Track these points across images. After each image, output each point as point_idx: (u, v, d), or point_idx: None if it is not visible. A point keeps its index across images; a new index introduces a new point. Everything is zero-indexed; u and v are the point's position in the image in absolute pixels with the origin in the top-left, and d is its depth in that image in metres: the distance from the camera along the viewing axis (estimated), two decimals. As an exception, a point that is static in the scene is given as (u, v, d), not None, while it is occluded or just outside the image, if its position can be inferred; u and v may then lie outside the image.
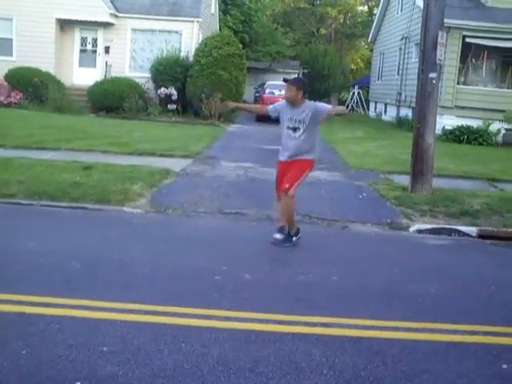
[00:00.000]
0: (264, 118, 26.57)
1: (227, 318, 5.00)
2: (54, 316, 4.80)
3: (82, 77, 26.38)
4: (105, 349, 4.29)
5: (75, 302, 5.11)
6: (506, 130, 22.80)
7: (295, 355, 4.40)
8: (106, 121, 22.06)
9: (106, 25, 26.33)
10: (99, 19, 25.68)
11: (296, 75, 42.86)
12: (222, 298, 5.50)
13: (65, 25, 26.22)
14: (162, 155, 13.91)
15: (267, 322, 5.00)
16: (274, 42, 45.56)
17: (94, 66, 26.86)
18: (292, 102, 7.26)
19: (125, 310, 5.00)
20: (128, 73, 26.47)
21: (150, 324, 4.79)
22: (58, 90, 23.83)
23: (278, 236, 7.57)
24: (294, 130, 7.27)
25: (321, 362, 4.32)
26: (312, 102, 7.44)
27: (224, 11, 39.18)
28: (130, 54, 27.14)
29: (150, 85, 25.64)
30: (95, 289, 5.52)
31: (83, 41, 27.08)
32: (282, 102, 7.58)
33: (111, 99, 23.85)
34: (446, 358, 4.54)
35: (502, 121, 22.60)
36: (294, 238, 7.58)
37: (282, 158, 7.55)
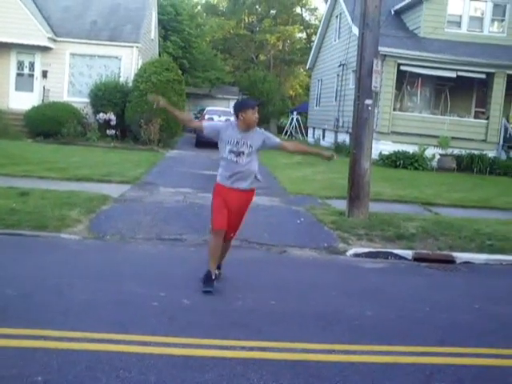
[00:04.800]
0: (204, 144, 26.70)
1: (165, 344, 4.98)
2: (-14, 346, 4.69)
3: (19, 101, 25.90)
4: (39, 379, 4.20)
5: (9, 331, 5.00)
6: (441, 155, 23.47)
7: (233, 380, 4.40)
8: (44, 146, 21.73)
9: (44, 49, 26.00)
10: (37, 43, 25.30)
11: (235, 101, 43.26)
12: (160, 324, 5.48)
13: (0, 47, 25.72)
14: (100, 181, 13.80)
15: (205, 347, 5.00)
16: (213, 68, 45.88)
17: (32, 91, 26.47)
18: (253, 127, 6.70)
19: (61, 338, 4.92)
20: (66, 97, 26.22)
21: (87, 351, 4.72)
22: (-8, 113, 23.33)
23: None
24: (238, 154, 6.62)
25: (259, 387, 4.34)
26: (258, 128, 6.97)
27: (164, 37, 39.28)
28: (68, 78, 26.89)
29: (89, 110, 25.42)
30: (31, 317, 5.41)
31: (20, 64, 26.66)
32: (227, 122, 7.07)
33: (49, 124, 23.46)
34: (382, 380, 4.62)
35: (437, 146, 23.27)
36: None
37: (225, 182, 6.74)
